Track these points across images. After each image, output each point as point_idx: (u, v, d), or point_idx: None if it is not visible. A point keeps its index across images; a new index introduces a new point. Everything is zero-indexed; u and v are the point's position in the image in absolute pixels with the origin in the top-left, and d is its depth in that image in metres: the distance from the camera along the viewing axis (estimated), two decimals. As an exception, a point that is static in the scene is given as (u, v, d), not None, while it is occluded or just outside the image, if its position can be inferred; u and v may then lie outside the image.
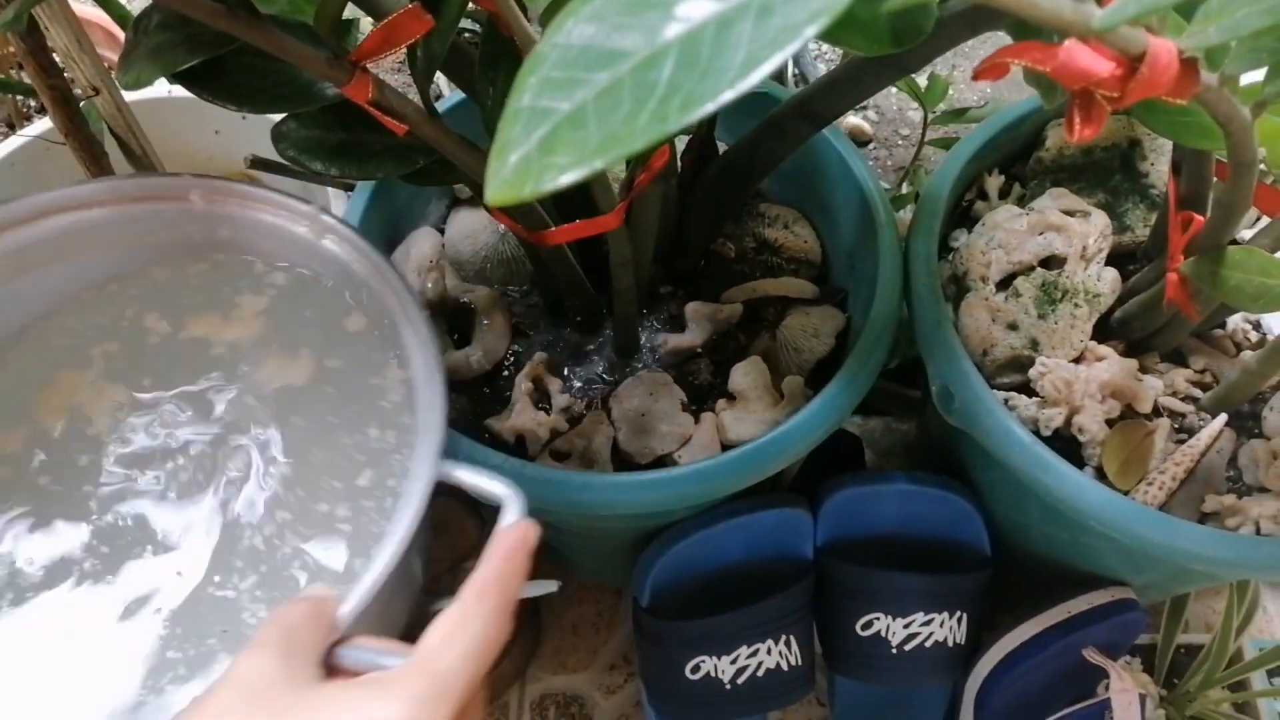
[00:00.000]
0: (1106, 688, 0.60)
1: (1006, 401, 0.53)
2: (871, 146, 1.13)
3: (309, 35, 0.38)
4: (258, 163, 0.55)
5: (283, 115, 0.45)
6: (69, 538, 0.41)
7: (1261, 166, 0.40)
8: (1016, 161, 0.64)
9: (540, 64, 0.17)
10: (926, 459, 0.78)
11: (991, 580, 0.61)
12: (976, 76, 0.29)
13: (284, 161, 0.46)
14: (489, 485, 0.39)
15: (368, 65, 0.39)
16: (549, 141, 0.16)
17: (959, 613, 0.60)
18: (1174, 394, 0.54)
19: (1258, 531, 0.49)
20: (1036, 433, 0.52)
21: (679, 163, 0.58)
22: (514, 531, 0.35)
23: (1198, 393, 0.55)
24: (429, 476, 0.39)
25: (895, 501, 0.60)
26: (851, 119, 1.12)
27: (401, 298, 0.43)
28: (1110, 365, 0.52)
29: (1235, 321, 0.57)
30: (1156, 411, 0.54)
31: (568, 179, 0.16)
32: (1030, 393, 0.53)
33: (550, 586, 0.66)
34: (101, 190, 0.45)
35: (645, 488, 0.49)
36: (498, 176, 0.16)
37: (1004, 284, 0.56)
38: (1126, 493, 0.50)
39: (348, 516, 0.42)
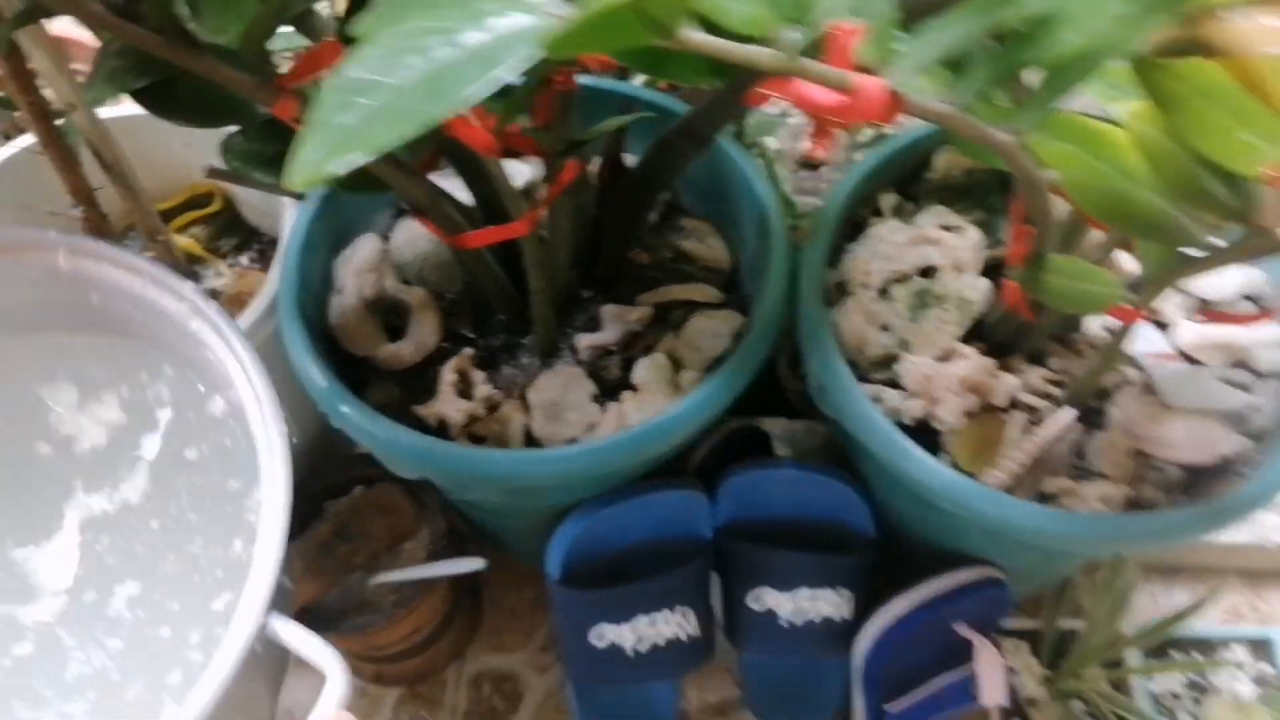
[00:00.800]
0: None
1: (876, 395, 0.59)
2: (823, 169, 1.20)
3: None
4: (215, 172, 0.61)
5: (230, 130, 0.52)
6: None
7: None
8: (911, 182, 0.70)
9: (330, 88, 0.23)
10: (841, 456, 0.84)
11: (875, 560, 0.67)
12: (749, 101, 0.35)
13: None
14: (315, 653, 0.35)
15: (297, 87, 0.46)
16: (336, 144, 0.23)
17: (844, 589, 0.66)
18: (1031, 391, 0.60)
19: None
20: (900, 423, 0.58)
21: (598, 178, 0.64)
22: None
23: (1056, 390, 0.61)
24: (253, 632, 0.35)
25: (786, 486, 0.66)
26: (807, 143, 1.18)
27: (263, 403, 0.40)
28: (969, 363, 0.58)
29: (1092, 327, 0.63)
30: (1015, 406, 0.60)
31: (339, 168, 0.23)
32: (898, 387, 0.59)
33: (477, 564, 0.72)
34: None
35: (543, 461, 0.55)
36: (291, 165, 0.23)
37: (885, 291, 0.62)
38: (975, 476, 0.56)
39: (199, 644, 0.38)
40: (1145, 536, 0.52)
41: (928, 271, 0.62)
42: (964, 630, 0.66)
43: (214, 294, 0.75)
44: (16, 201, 0.71)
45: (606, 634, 0.66)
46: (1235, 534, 0.81)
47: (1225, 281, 0.62)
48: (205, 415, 0.43)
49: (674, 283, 0.68)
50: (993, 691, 0.65)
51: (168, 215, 0.76)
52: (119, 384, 0.44)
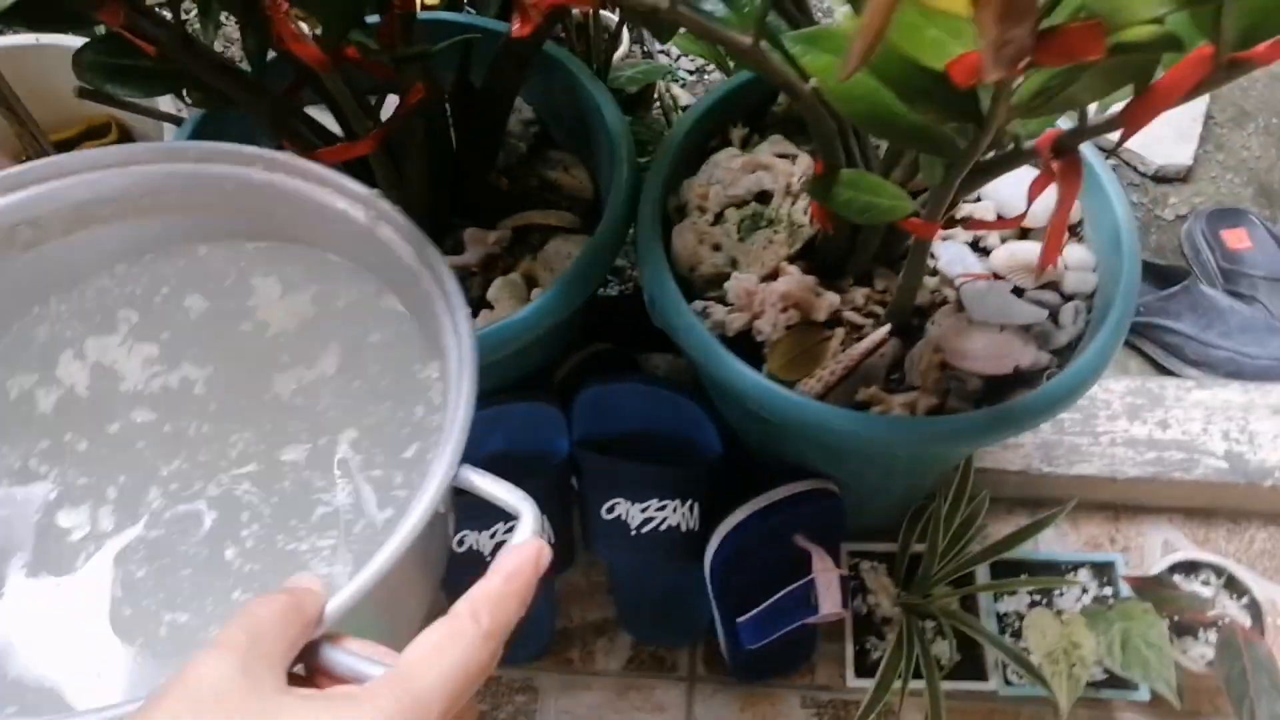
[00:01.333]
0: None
1: (705, 309, 0.63)
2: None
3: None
4: (84, 92, 0.65)
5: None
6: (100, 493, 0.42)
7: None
8: (762, 115, 0.73)
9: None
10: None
11: (723, 475, 0.71)
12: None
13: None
14: (506, 495, 0.38)
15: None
16: None
17: (690, 501, 0.70)
18: (855, 309, 0.64)
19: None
20: (725, 336, 0.62)
21: (450, 104, 0.68)
22: (524, 550, 0.33)
23: (879, 309, 0.65)
24: (446, 477, 0.38)
25: (636, 402, 0.70)
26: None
27: (448, 293, 0.43)
28: (790, 280, 0.62)
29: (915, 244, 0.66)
30: (840, 323, 0.64)
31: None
32: (727, 304, 0.63)
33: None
34: (166, 151, 0.46)
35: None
36: None
37: (721, 215, 0.66)
38: (792, 385, 0.60)
39: (402, 485, 0.42)
40: (927, 438, 0.56)
41: (764, 197, 0.66)
42: (802, 542, 0.70)
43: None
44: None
45: (467, 540, 0.70)
46: (1087, 466, 0.85)
47: (1044, 209, 0.66)
48: (384, 309, 0.48)
49: (537, 209, 0.72)
50: (829, 600, 0.70)
51: (66, 146, 0.80)
52: (309, 283, 0.49)
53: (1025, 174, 0.51)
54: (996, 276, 0.63)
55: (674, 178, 0.67)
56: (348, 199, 0.46)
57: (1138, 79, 0.38)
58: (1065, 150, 0.44)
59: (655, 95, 0.98)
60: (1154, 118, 0.38)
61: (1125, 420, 0.88)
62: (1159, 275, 1.06)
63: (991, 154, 0.50)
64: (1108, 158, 1.12)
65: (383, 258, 0.46)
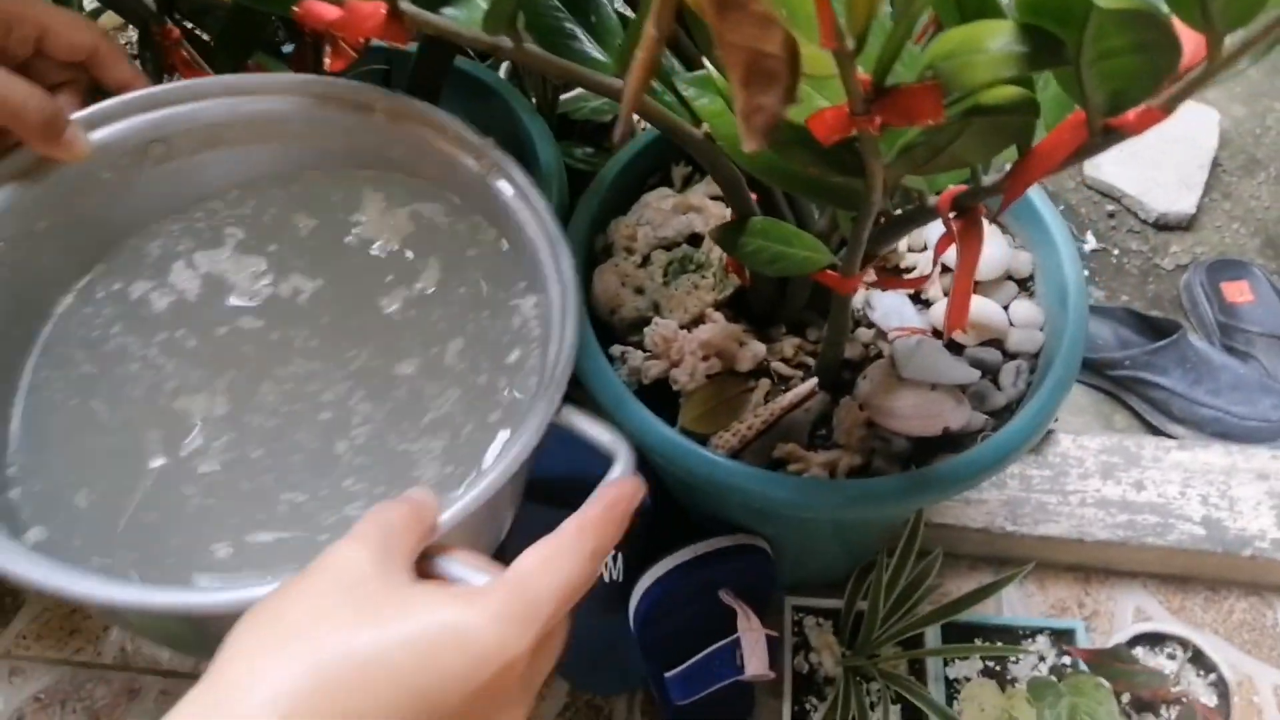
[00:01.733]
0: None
1: (622, 354, 0.60)
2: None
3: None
4: None
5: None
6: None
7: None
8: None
9: None
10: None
11: (647, 525, 0.68)
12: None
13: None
14: (603, 436, 0.41)
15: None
16: None
17: (614, 552, 0.67)
18: (783, 359, 0.61)
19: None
20: (641, 383, 0.59)
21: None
22: (623, 484, 0.37)
23: (811, 360, 0.62)
24: (549, 412, 0.41)
25: (555, 445, 0.67)
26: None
27: (553, 238, 0.46)
28: (712, 328, 0.59)
29: (857, 300, 0.63)
30: (766, 373, 0.61)
31: None
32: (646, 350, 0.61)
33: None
34: (295, 83, 0.47)
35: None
36: None
37: (649, 257, 0.63)
38: (705, 439, 0.57)
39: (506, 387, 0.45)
40: (840, 502, 0.52)
41: (696, 240, 0.63)
42: (728, 598, 0.67)
43: None
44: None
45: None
46: (1054, 526, 0.81)
47: (991, 263, 0.62)
48: (484, 238, 0.51)
49: (471, 242, 0.70)
50: (754, 661, 0.66)
51: None
52: (411, 201, 0.51)
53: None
54: (936, 331, 0.60)
55: (605, 216, 0.65)
56: (463, 146, 0.48)
57: (1018, 141, 0.34)
58: (964, 209, 0.41)
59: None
60: (1035, 181, 0.35)
61: (1098, 479, 0.84)
62: (1151, 327, 1.02)
63: (901, 209, 0.47)
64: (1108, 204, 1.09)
65: (490, 202, 0.49)
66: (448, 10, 0.35)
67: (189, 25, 0.50)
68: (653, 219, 0.63)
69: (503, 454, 0.39)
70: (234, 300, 0.48)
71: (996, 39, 0.28)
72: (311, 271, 0.49)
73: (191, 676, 0.84)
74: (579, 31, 0.42)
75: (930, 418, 0.56)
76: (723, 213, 0.63)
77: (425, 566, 0.33)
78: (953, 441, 0.57)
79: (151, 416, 0.44)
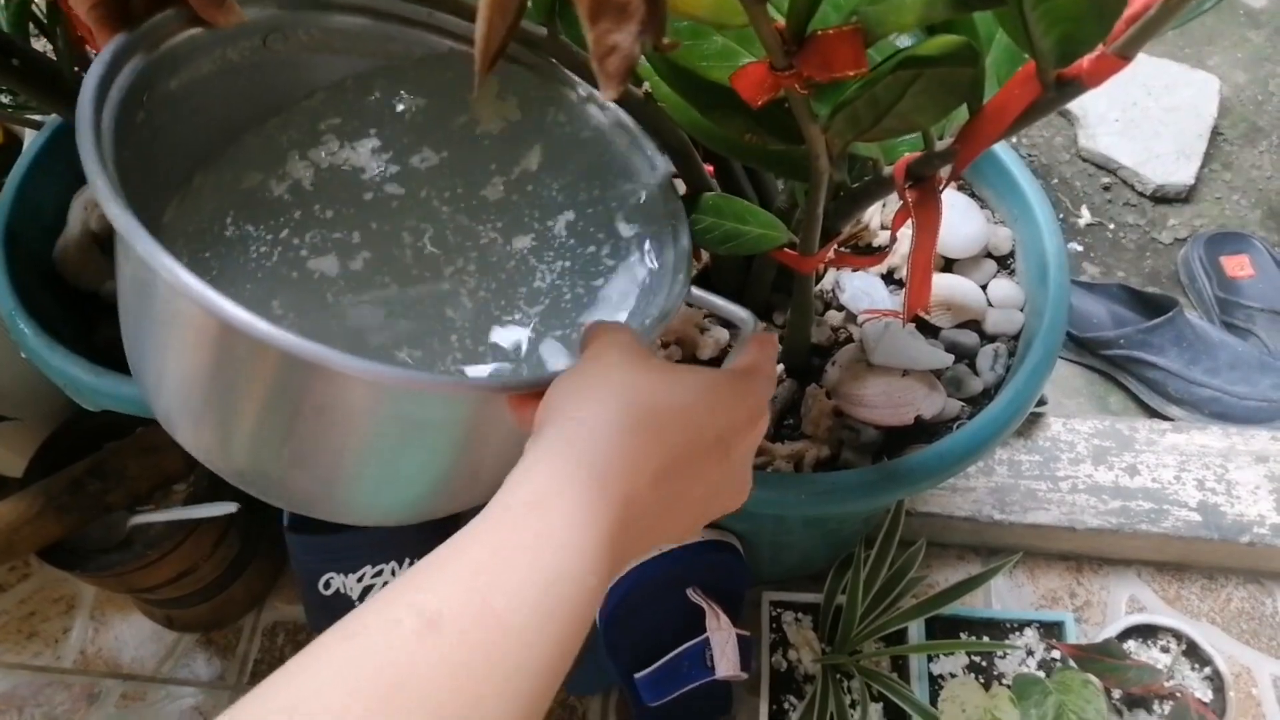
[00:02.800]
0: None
1: (576, 342, 0.56)
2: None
3: None
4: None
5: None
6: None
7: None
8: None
9: None
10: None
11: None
12: None
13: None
14: (724, 303, 0.43)
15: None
16: None
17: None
18: (747, 346, 0.57)
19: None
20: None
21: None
22: (761, 335, 0.39)
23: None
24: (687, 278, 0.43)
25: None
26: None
27: (665, 187, 0.46)
28: (671, 313, 0.56)
29: (826, 281, 0.60)
30: (729, 361, 0.57)
31: None
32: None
33: (228, 508, 0.71)
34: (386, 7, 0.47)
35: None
36: None
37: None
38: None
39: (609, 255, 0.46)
40: (802, 498, 0.49)
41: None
42: (696, 597, 0.64)
43: None
44: None
45: (333, 583, 0.65)
46: (1044, 514, 0.78)
47: (968, 240, 0.59)
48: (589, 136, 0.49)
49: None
50: (725, 662, 0.63)
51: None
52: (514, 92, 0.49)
53: (951, 199, 0.44)
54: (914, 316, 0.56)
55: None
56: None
57: (968, 100, 0.31)
58: (918, 179, 0.37)
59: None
60: (989, 144, 0.31)
61: (1090, 464, 0.80)
62: (1147, 304, 0.97)
63: (860, 181, 0.43)
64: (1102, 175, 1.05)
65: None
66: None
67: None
68: (608, 198, 0.59)
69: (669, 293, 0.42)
70: (366, 176, 0.47)
71: (926, -23, 0.24)
72: (435, 147, 0.48)
73: (152, 679, 0.82)
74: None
75: (901, 406, 0.53)
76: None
77: None
78: (927, 430, 0.54)
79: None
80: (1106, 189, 1.15)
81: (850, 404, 0.53)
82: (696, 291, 0.44)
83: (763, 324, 0.42)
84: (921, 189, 0.37)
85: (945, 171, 0.37)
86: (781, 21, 0.26)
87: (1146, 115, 1.16)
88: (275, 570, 0.85)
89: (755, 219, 0.47)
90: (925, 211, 0.37)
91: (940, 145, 0.35)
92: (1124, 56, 0.25)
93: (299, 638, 0.83)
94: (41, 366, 0.56)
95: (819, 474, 0.51)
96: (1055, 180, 1.16)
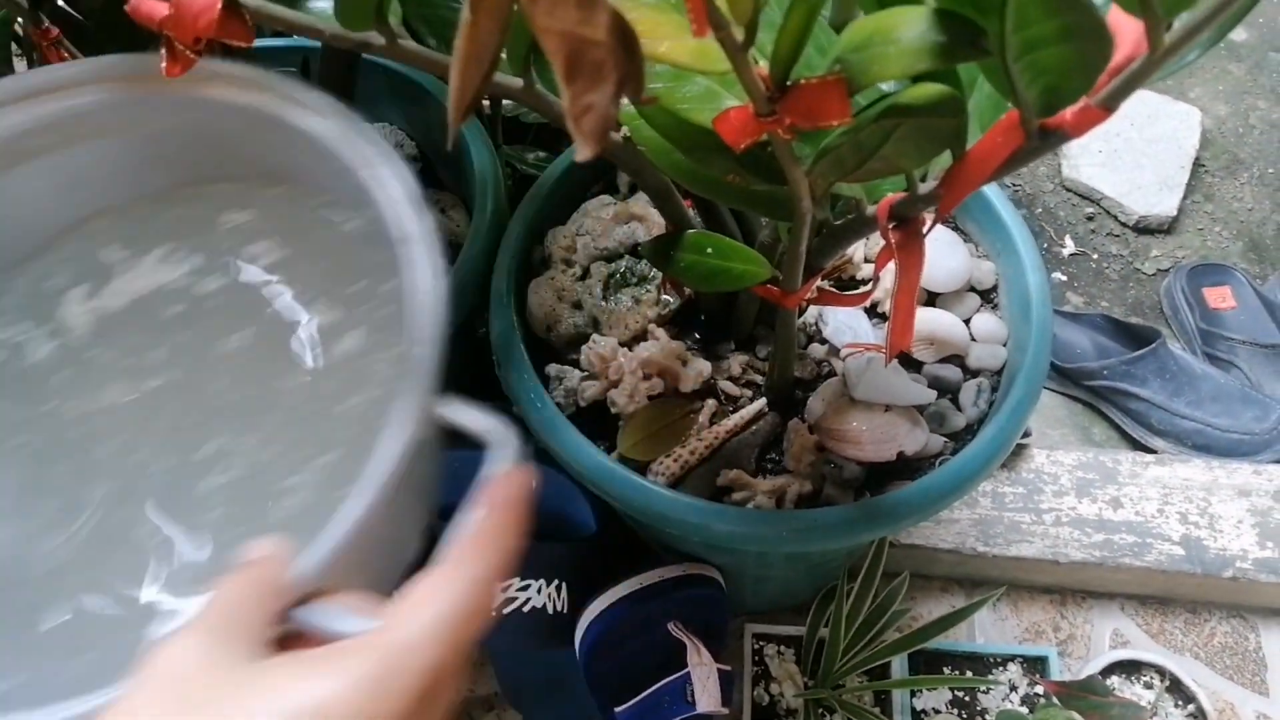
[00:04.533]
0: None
1: (559, 374, 0.56)
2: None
3: None
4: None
5: None
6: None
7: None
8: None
9: None
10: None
11: (595, 553, 0.64)
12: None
13: None
14: (479, 422, 0.34)
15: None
16: None
17: (557, 580, 0.63)
18: (731, 378, 0.57)
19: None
20: (578, 404, 0.55)
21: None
22: (511, 478, 0.31)
23: (760, 380, 0.58)
24: (416, 412, 0.34)
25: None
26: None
27: (403, 198, 0.38)
28: (653, 345, 0.55)
29: (809, 315, 0.60)
30: (713, 394, 0.57)
31: None
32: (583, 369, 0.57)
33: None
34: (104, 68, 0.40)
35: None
36: None
37: (588, 269, 0.59)
38: (646, 464, 0.53)
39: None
40: (784, 535, 0.48)
41: (639, 251, 0.59)
42: (677, 631, 0.63)
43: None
44: None
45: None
46: (1028, 547, 0.77)
47: (951, 274, 0.59)
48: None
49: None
50: (706, 697, 0.62)
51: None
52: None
53: (936, 233, 0.44)
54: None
55: (544, 225, 0.61)
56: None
57: (951, 145, 0.31)
58: (902, 219, 0.37)
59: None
60: (972, 188, 0.31)
61: (1073, 497, 0.80)
62: (1130, 335, 0.98)
63: (842, 219, 0.43)
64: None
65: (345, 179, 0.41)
66: (313, 3, 0.31)
67: (72, 13, 0.46)
68: (592, 229, 0.59)
69: (365, 475, 0.32)
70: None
71: (910, 28, 0.24)
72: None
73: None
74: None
75: (883, 442, 0.52)
76: (662, 221, 0.59)
77: (291, 624, 0.29)
78: (910, 466, 0.53)
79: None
80: (1090, 219, 1.15)
81: (833, 439, 0.53)
82: (444, 411, 0.36)
83: (514, 444, 0.32)
84: (905, 230, 0.37)
85: (930, 213, 0.36)
86: (765, 69, 0.26)
87: (1129, 146, 1.17)
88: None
89: (738, 255, 0.47)
90: (909, 252, 0.37)
91: (924, 187, 0.35)
92: (1107, 108, 0.25)
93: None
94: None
95: (801, 511, 0.50)
96: (1039, 210, 1.17)
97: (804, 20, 0.24)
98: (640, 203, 0.59)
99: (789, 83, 0.26)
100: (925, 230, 0.37)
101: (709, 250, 0.47)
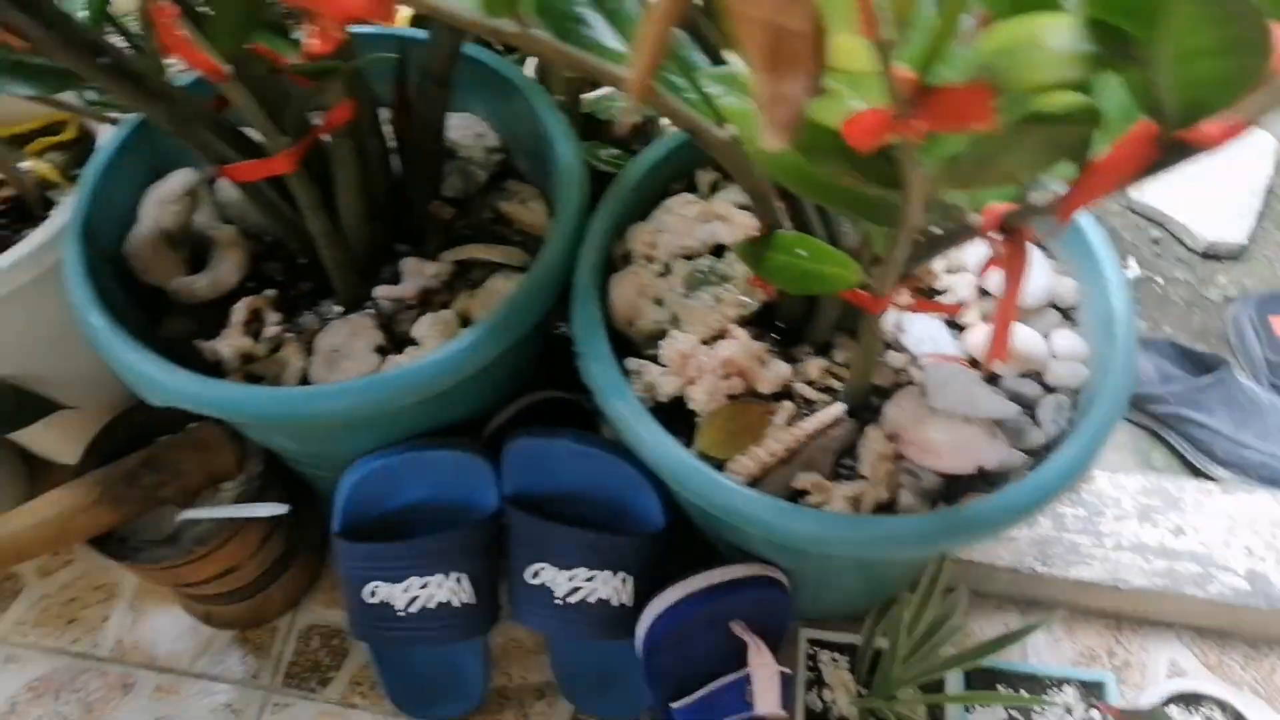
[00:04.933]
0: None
1: (638, 369, 0.57)
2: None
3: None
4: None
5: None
6: None
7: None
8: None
9: None
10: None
11: (662, 548, 0.64)
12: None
13: None
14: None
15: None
16: None
17: (623, 574, 0.64)
18: (808, 381, 0.57)
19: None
20: (659, 401, 0.56)
21: (393, 127, 0.64)
22: None
23: (837, 383, 0.58)
24: None
25: (569, 460, 0.64)
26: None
27: None
28: (734, 345, 0.56)
29: (887, 321, 0.60)
30: (788, 395, 0.57)
31: None
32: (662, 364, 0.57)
33: (278, 509, 0.72)
34: None
35: (276, 399, 0.54)
36: None
37: (669, 266, 0.60)
38: (723, 463, 0.54)
39: None
40: (862, 541, 0.49)
41: (720, 251, 0.60)
42: (740, 631, 0.63)
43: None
44: None
45: (379, 591, 0.65)
46: (1087, 570, 0.77)
47: (1034, 290, 0.58)
48: None
49: (487, 243, 0.67)
50: (765, 699, 0.63)
51: (24, 140, 0.78)
52: None
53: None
54: (972, 360, 0.56)
55: (624, 221, 0.62)
56: None
57: (1074, 155, 0.31)
58: (1010, 230, 0.37)
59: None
60: (1092, 201, 0.31)
61: (1135, 522, 0.79)
62: (1196, 361, 0.97)
63: (941, 227, 0.43)
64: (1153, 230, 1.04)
65: None
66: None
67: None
68: (674, 226, 0.60)
69: None
70: None
71: (1057, 35, 0.24)
72: None
73: (186, 674, 0.82)
74: (594, 18, 0.39)
75: (963, 453, 0.52)
76: (750, 223, 0.59)
77: None
78: (986, 480, 0.53)
79: None
80: (1155, 242, 1.14)
81: (913, 448, 0.53)
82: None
83: None
84: (1012, 241, 0.37)
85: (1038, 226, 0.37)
86: (910, 72, 0.26)
87: (1201, 170, 1.15)
88: (313, 573, 0.85)
89: (830, 259, 0.47)
90: (1014, 263, 0.37)
91: (1036, 198, 0.35)
92: (1250, 121, 0.26)
93: (333, 642, 0.83)
94: (109, 359, 0.57)
95: (881, 517, 0.51)
96: (1104, 231, 1.15)
97: (951, 23, 0.25)
98: (723, 203, 0.60)
99: (931, 87, 0.26)
100: (1032, 241, 0.37)
101: (801, 252, 0.47)
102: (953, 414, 0.54)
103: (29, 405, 0.73)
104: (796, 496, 0.54)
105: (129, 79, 0.51)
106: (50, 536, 0.67)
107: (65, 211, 0.65)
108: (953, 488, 0.53)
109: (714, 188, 0.65)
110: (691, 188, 0.65)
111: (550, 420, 0.70)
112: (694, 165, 0.65)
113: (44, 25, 0.46)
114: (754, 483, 0.54)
